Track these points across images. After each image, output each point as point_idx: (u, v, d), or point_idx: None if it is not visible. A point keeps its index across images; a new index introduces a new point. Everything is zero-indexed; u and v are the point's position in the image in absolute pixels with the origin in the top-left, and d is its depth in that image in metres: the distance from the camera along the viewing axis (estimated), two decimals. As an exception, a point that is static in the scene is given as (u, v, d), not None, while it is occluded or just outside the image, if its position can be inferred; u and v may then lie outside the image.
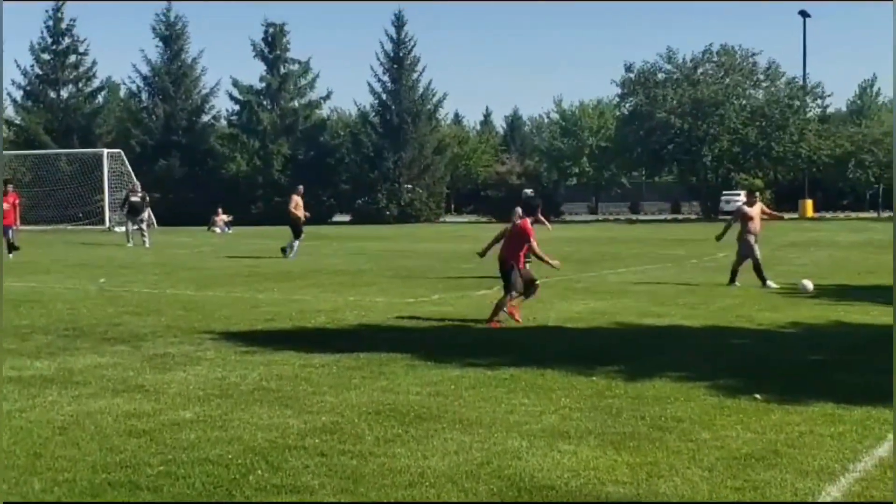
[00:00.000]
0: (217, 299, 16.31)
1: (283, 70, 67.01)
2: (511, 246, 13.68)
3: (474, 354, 10.50)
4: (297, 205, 27.49)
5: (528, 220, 13.79)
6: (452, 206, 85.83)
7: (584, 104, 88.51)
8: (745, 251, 18.79)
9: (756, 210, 19.31)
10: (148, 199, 35.91)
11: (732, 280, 18.66)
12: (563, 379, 9.11)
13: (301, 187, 28.98)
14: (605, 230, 43.82)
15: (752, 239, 18.82)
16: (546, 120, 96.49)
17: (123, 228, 35.88)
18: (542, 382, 8.97)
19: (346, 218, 66.21)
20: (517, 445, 6.81)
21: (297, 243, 27.11)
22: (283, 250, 26.91)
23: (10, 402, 8.16)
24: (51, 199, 50.66)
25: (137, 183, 37.21)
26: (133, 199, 34.68)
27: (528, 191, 20.78)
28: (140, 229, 33.81)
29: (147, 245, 32.61)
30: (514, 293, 13.49)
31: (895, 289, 15.30)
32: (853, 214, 71.04)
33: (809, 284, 17.66)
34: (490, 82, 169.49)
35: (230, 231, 46.87)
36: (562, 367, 9.64)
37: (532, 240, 13.53)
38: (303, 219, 27.59)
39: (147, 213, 35.26)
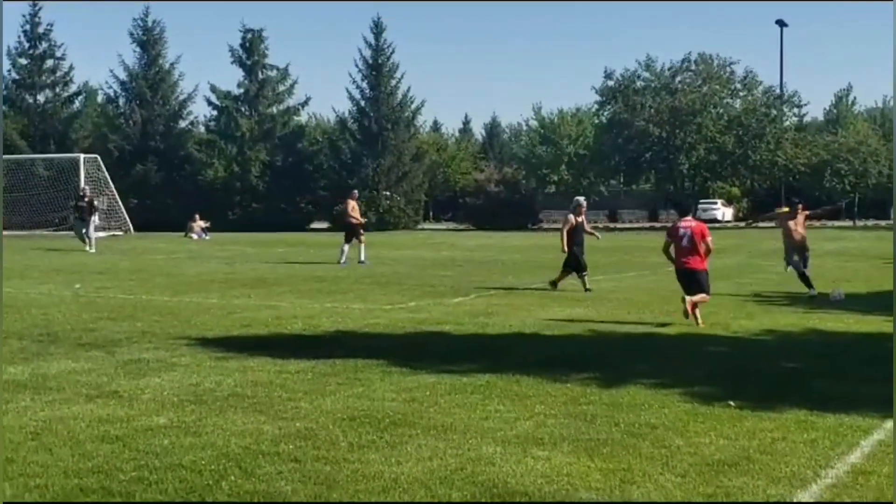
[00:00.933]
0: (193, 305, 16.26)
1: (261, 76, 66.79)
2: (696, 250, 14.03)
3: (450, 361, 10.51)
4: (353, 208, 27.40)
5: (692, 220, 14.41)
6: (431, 213, 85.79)
7: (563, 112, 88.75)
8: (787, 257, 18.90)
9: (797, 222, 18.97)
10: (95, 203, 36.13)
11: (809, 286, 18.43)
12: (538, 386, 9.13)
13: (356, 192, 28.94)
14: (582, 238, 44.01)
15: (790, 248, 18.78)
16: (525, 127, 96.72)
17: (100, 234, 36.01)
18: (517, 389, 8.99)
19: (325, 225, 66.08)
20: (491, 451, 6.81)
21: (346, 248, 26.86)
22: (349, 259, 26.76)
23: (-18, 408, 8.11)
24: (26, 204, 50.36)
25: (86, 188, 37.25)
26: (80, 204, 35.11)
27: (580, 198, 20.90)
28: (87, 233, 34.20)
29: (91, 250, 32.79)
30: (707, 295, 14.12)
31: (895, 293, 15.47)
32: (829, 223, 71.44)
33: (842, 293, 17.84)
34: (469, 89, 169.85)
35: (207, 237, 46.73)
36: (537, 373, 9.66)
37: (710, 238, 14.13)
38: (361, 222, 27.56)
39: (95, 218, 35.28)
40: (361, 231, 27.45)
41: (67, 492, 5.88)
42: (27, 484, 6.02)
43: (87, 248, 33.05)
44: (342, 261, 26.36)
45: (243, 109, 66.43)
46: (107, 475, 6.19)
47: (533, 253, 33.08)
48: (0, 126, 48.80)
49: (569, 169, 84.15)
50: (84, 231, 34.20)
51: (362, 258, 26.59)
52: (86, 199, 35.00)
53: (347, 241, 26.96)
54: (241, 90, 66.56)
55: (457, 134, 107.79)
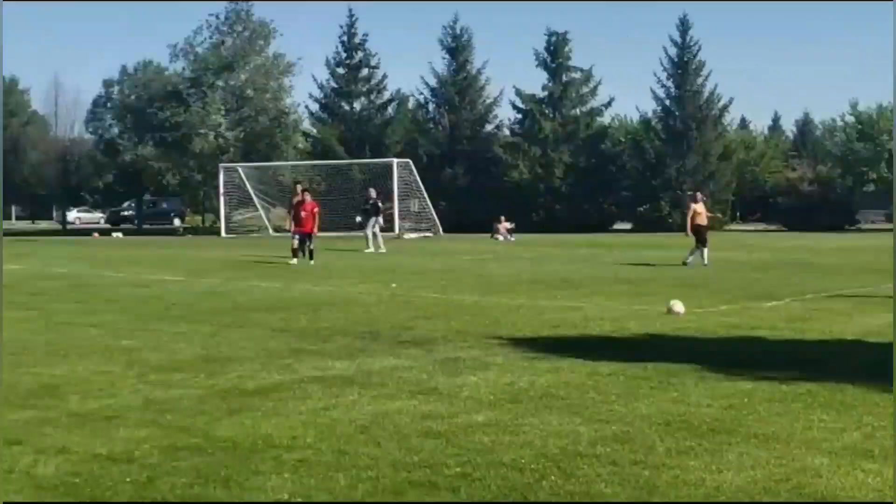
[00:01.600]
0: (501, 305, 16.60)
1: (564, 78, 67.34)
2: None
3: (766, 367, 10.18)
4: (694, 213, 27.44)
5: None
6: (738, 213, 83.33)
7: (883, 106, 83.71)
8: None
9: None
10: (380, 205, 37.00)
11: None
12: (865, 395, 8.67)
13: (698, 194, 28.94)
14: (904, 239, 41.39)
15: None
16: (840, 123, 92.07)
17: (412, 235, 37.17)
18: (841, 398, 8.57)
19: (628, 226, 65.76)
20: (817, 463, 6.54)
21: (705, 251, 26.70)
22: (686, 262, 26.73)
23: (315, 401, 8.62)
24: (344, 207, 53.09)
25: (371, 191, 38.10)
26: (365, 207, 36.49)
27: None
28: (373, 234, 35.16)
29: (374, 250, 34.00)
30: None
31: (895, 293, 13.72)
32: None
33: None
34: (779, 86, 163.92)
35: (513, 239, 47.57)
36: (862, 382, 9.18)
37: None
38: (705, 226, 27.50)
39: (379, 220, 36.15)
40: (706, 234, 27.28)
41: (397, 484, 6.14)
42: (359, 475, 6.32)
43: (368, 248, 34.25)
44: (689, 263, 26.41)
45: (547, 112, 67.21)
46: (433, 470, 6.42)
47: (851, 255, 31.47)
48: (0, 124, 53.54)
49: (889, 167, 79.31)
50: (370, 232, 35.36)
51: (689, 259, 26.54)
52: (370, 202, 36.29)
53: (703, 244, 26.74)
54: (546, 93, 67.39)
55: (766, 131, 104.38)
